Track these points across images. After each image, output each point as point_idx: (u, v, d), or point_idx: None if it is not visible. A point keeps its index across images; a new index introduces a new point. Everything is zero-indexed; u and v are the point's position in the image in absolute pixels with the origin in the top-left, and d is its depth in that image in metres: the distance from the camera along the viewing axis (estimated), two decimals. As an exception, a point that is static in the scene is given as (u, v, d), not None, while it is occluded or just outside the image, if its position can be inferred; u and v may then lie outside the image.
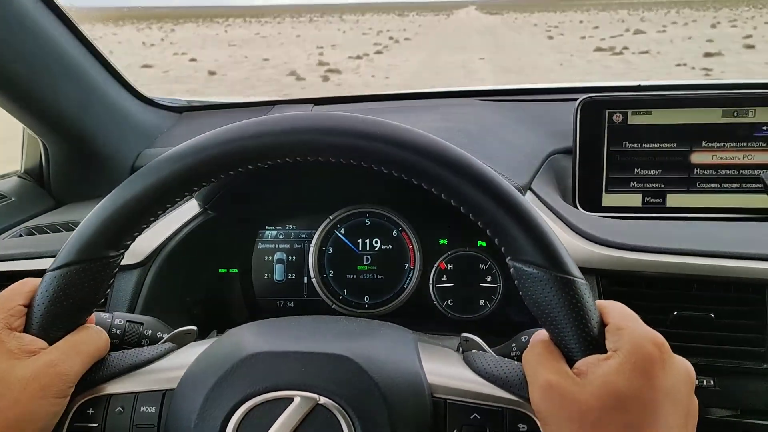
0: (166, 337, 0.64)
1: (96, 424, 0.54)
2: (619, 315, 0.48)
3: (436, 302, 0.95)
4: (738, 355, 0.74)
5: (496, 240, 0.50)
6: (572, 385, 0.45)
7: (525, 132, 1.11)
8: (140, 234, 0.55)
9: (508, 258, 0.50)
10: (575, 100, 0.99)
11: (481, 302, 0.94)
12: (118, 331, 0.66)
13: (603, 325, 0.48)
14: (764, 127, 0.95)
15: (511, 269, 0.50)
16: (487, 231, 0.50)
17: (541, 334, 0.51)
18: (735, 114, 0.95)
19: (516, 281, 0.50)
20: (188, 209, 0.88)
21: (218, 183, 0.85)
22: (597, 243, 0.79)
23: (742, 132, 0.95)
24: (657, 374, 0.44)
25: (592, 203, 1.00)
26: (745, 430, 0.74)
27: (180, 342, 0.62)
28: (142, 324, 0.68)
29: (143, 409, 0.54)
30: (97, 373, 0.55)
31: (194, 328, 0.64)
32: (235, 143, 0.53)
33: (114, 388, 0.55)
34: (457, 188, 0.50)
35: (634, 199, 1.00)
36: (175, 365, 0.56)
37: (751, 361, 0.74)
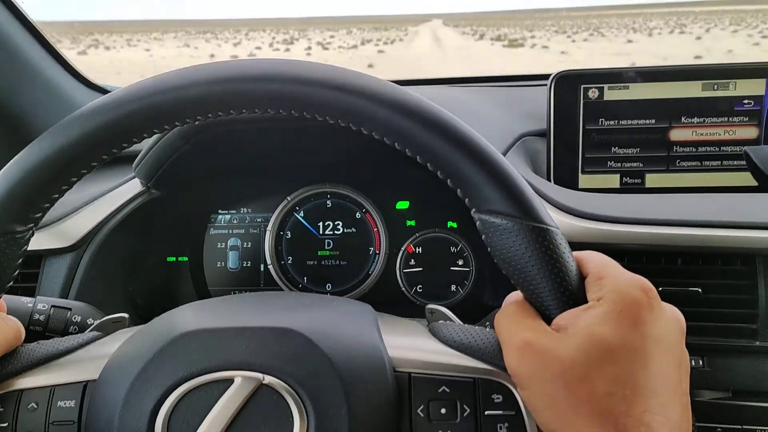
0: (91, 326, 0.55)
1: (5, 424, 0.45)
2: (598, 264, 0.43)
3: (404, 288, 0.88)
4: (728, 332, 0.69)
5: (458, 191, 0.44)
6: (552, 341, 0.40)
7: (498, 113, 1.06)
8: (51, 205, 0.46)
9: (473, 210, 0.44)
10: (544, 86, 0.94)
11: (453, 287, 0.88)
12: (41, 317, 0.58)
13: (582, 276, 0.43)
14: (746, 101, 0.90)
15: (477, 222, 0.44)
16: (449, 182, 0.44)
17: (514, 295, 0.45)
18: (715, 87, 0.91)
19: (483, 236, 0.44)
20: (129, 188, 0.80)
21: (162, 157, 0.77)
22: (576, 216, 0.73)
23: (723, 106, 0.91)
24: (646, 321, 0.39)
25: (568, 185, 0.94)
26: (737, 413, 0.69)
27: (108, 331, 0.54)
28: (69, 309, 0.60)
29: (60, 403, 0.46)
30: (5, 366, 0.47)
31: (125, 315, 0.56)
32: (157, 96, 0.45)
33: (26, 382, 0.47)
34: (412, 135, 0.44)
35: (612, 180, 0.94)
36: (98, 354, 0.48)
37: (742, 339, 0.68)
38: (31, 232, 0.47)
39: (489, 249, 0.44)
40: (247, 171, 0.89)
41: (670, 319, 0.41)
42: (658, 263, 0.71)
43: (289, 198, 0.89)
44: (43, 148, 0.44)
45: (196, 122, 0.47)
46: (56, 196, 0.46)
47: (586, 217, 0.73)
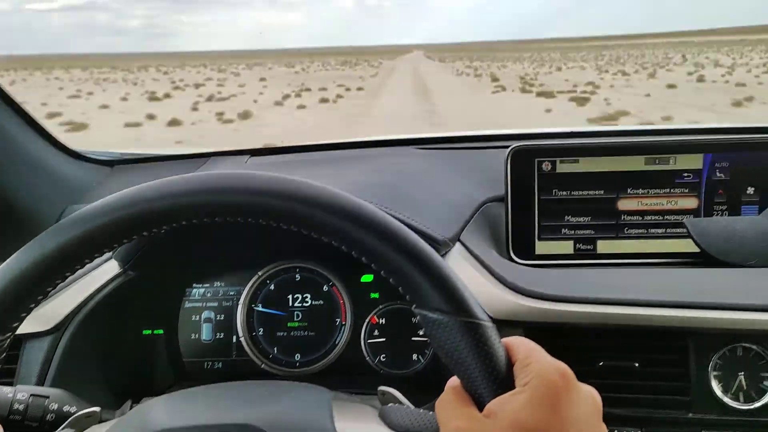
0: (64, 424, 0.59)
1: None
2: (525, 350, 0.48)
3: (368, 358, 0.93)
4: (663, 404, 0.74)
5: (400, 288, 0.49)
6: (481, 427, 0.45)
7: (459, 181, 1.12)
8: (29, 312, 0.51)
9: (413, 306, 0.49)
10: (508, 147, 1.00)
11: (414, 357, 0.93)
12: (20, 407, 0.62)
13: (511, 363, 0.48)
14: (685, 174, 0.97)
15: (418, 317, 0.49)
16: (391, 280, 0.50)
17: (454, 380, 0.50)
18: (657, 161, 0.98)
19: (423, 329, 0.49)
20: (106, 270, 0.84)
21: (139, 242, 0.82)
22: (523, 294, 0.78)
23: (665, 179, 0.98)
24: (563, 404, 0.44)
25: (526, 251, 1.00)
26: None
27: (81, 427, 0.58)
28: (47, 398, 0.63)
29: None
30: None
31: (97, 409, 0.60)
32: (124, 211, 0.50)
33: None
34: (357, 238, 0.49)
35: (566, 246, 1.00)
36: None
37: (676, 411, 0.74)
38: (9, 340, 0.51)
39: (428, 340, 0.49)
40: (220, 247, 0.93)
41: (588, 400, 0.46)
42: (600, 338, 0.76)
43: (260, 273, 0.94)
44: (21, 261, 0.49)
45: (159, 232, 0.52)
46: (32, 306, 0.50)
47: (534, 296, 0.78)
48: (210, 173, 0.52)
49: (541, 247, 1.00)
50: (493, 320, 0.75)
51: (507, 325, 0.77)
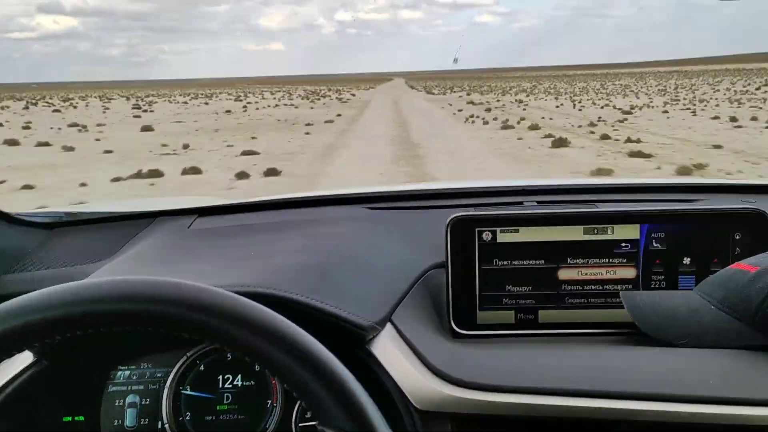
0: None
1: None
2: None
3: None
4: None
5: (304, 404, 0.48)
6: None
7: (402, 247, 1.11)
8: None
9: (317, 423, 0.48)
10: (458, 206, 1.00)
11: None
12: None
13: None
14: (623, 244, 0.97)
15: None
16: (294, 394, 0.48)
17: None
18: (595, 231, 0.98)
19: None
20: (18, 360, 0.81)
21: None
22: (451, 383, 0.77)
23: (603, 249, 0.98)
24: None
25: (467, 321, 0.99)
26: None
27: None
28: None
29: None
30: None
31: None
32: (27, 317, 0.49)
33: None
34: (261, 352, 0.48)
35: (508, 316, 0.99)
36: None
37: None
38: None
39: None
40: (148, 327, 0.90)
41: None
42: (529, 428, 0.75)
43: (189, 353, 0.91)
44: None
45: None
46: None
47: (461, 385, 0.76)
48: (115, 281, 0.51)
49: (483, 316, 0.99)
50: (419, 411, 0.74)
51: (433, 416, 0.76)
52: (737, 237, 0.94)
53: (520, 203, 1.26)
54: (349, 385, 0.48)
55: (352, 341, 0.84)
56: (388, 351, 0.83)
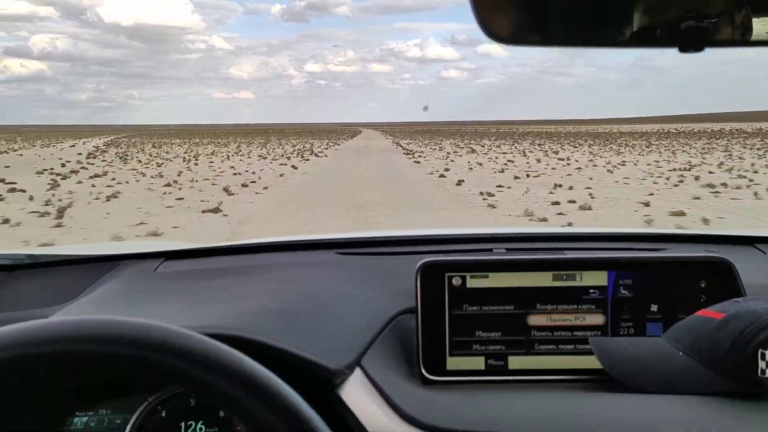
0: None
1: None
2: None
3: None
4: None
5: None
6: None
7: (372, 292, 1.10)
8: None
9: None
10: (427, 252, 1.00)
11: None
12: None
13: None
14: (591, 290, 0.98)
15: None
16: None
17: None
18: (564, 278, 0.98)
19: None
20: None
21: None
22: (422, 429, 0.75)
23: (572, 295, 0.98)
24: None
25: (437, 367, 0.98)
26: None
27: None
28: None
29: None
30: None
31: None
32: None
33: None
34: (230, 395, 0.47)
35: (478, 362, 0.98)
36: None
37: None
38: None
39: None
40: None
41: None
42: None
43: (150, 399, 0.87)
44: None
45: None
46: None
47: (429, 429, 0.75)
48: (55, 322, 0.49)
49: (453, 362, 0.98)
50: None
51: None
52: (703, 285, 0.96)
53: (489, 250, 1.27)
54: (317, 426, 0.47)
55: (320, 385, 0.82)
56: (358, 396, 0.81)
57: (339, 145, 44.03)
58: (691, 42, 0.55)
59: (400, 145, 41.33)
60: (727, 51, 0.56)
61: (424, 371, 0.96)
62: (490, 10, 0.57)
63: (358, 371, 0.86)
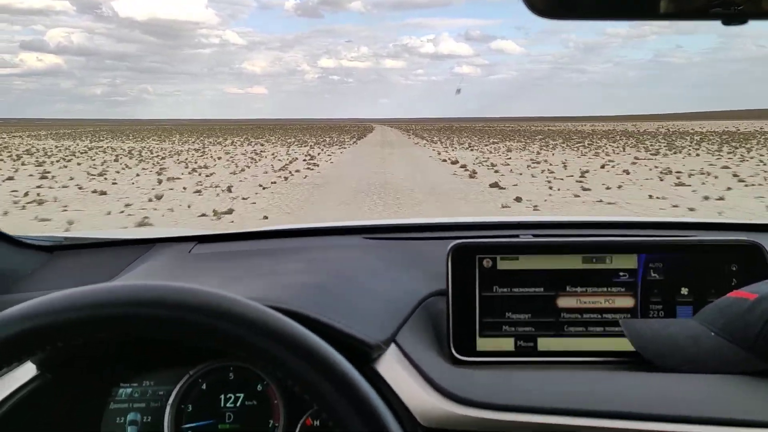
0: None
1: None
2: None
3: None
4: None
5: (324, 413, 0.49)
6: None
7: (402, 275, 1.12)
8: None
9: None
10: (454, 238, 1.01)
11: None
12: None
13: None
14: (621, 273, 0.99)
15: None
16: (315, 405, 0.49)
17: None
18: (594, 260, 0.99)
19: None
20: (22, 372, 0.79)
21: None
22: (456, 402, 0.77)
23: (601, 278, 0.99)
24: None
25: (467, 348, 0.99)
26: None
27: None
28: None
29: None
30: None
31: None
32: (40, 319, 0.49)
33: None
34: (285, 361, 0.48)
35: (507, 343, 1.00)
36: None
37: None
38: None
39: None
40: (151, 344, 0.89)
41: None
42: None
43: (191, 372, 0.90)
44: None
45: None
46: None
47: (466, 403, 0.76)
48: (120, 286, 0.51)
49: (483, 343, 1.00)
50: (425, 429, 0.73)
51: None
52: (734, 268, 0.96)
53: (516, 236, 1.28)
54: (371, 398, 0.49)
55: (357, 358, 0.84)
56: (394, 370, 0.83)
57: (348, 147, 34.11)
58: (734, 14, 0.56)
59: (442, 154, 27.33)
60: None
61: (454, 351, 0.97)
62: None
63: (393, 347, 0.88)
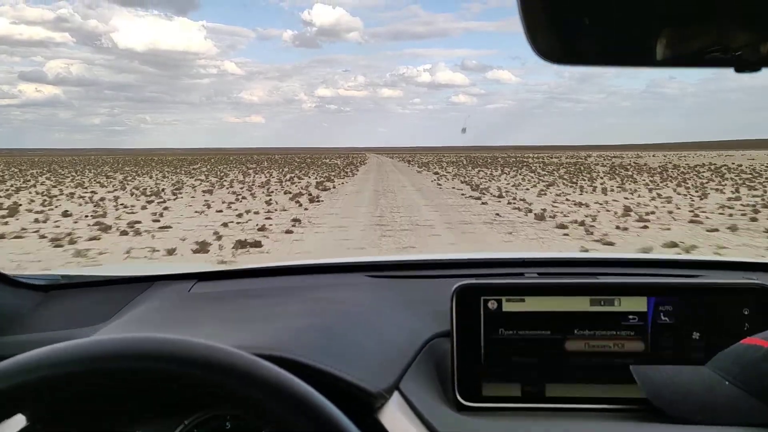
0: None
1: None
2: None
3: None
4: None
5: None
6: None
7: (406, 315, 1.09)
8: None
9: None
10: (458, 276, 0.98)
11: None
12: None
13: None
14: (631, 317, 0.96)
15: None
16: None
17: None
18: (602, 303, 0.96)
19: None
20: (11, 424, 0.75)
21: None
22: None
23: (610, 321, 0.96)
24: None
25: (472, 393, 0.95)
26: None
27: None
28: None
29: None
30: None
31: None
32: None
33: None
34: (280, 416, 0.46)
35: (514, 389, 0.96)
36: None
37: None
38: None
39: None
40: (146, 392, 0.85)
41: None
42: None
43: (186, 422, 0.86)
44: None
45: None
46: None
47: None
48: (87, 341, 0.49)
49: (488, 389, 0.96)
50: None
51: None
52: (746, 312, 0.94)
53: (521, 275, 1.26)
54: None
55: (358, 407, 0.80)
56: (397, 420, 0.80)
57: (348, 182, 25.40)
58: (747, 62, 0.54)
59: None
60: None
61: (459, 397, 0.94)
62: (542, 31, 0.56)
63: (396, 394, 0.85)
